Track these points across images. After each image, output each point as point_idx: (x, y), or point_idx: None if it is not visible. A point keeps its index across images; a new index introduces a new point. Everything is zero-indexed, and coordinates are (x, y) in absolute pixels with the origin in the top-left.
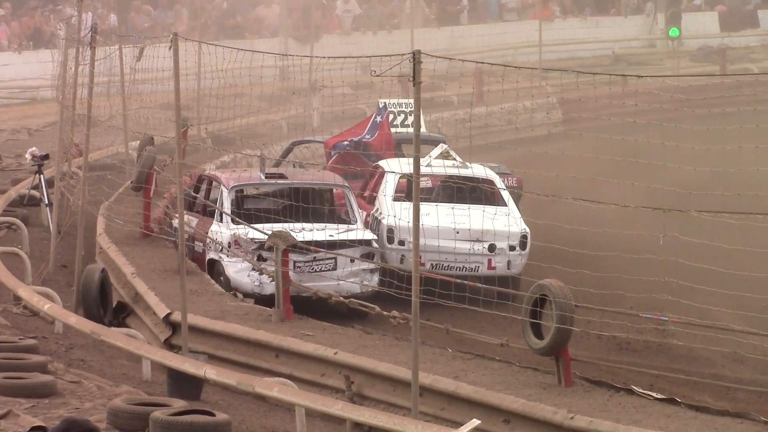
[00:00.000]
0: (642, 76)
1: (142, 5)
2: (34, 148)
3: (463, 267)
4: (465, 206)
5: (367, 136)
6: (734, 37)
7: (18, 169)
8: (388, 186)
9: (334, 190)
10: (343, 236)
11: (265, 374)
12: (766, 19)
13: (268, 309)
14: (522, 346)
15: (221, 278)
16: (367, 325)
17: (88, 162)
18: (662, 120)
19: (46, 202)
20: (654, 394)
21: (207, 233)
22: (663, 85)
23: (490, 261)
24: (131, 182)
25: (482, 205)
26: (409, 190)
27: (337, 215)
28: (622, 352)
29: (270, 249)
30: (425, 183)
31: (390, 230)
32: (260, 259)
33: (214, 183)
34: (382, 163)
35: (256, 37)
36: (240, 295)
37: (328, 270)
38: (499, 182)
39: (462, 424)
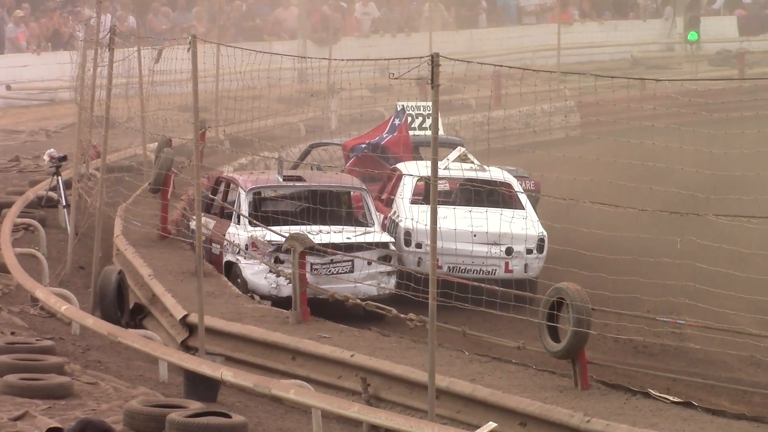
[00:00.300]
0: (660, 80)
1: (161, 7)
2: (52, 150)
3: (480, 270)
4: (482, 209)
5: (386, 137)
6: (753, 41)
7: (36, 170)
8: (406, 189)
9: (352, 193)
10: (361, 239)
11: (282, 376)
12: None
13: (285, 311)
14: (539, 349)
15: (238, 280)
16: (383, 328)
17: (106, 164)
18: (680, 124)
19: (64, 203)
20: (670, 398)
21: (224, 235)
22: (681, 88)
23: (507, 264)
24: (149, 184)
25: (500, 208)
26: (427, 193)
27: (355, 218)
28: (639, 356)
29: (287, 251)
30: (443, 186)
31: (407, 233)
32: (277, 261)
33: (231, 185)
34: (399, 165)
35: (274, 39)
36: (257, 297)
37: (345, 272)
38: (516, 185)
39: (478, 427)
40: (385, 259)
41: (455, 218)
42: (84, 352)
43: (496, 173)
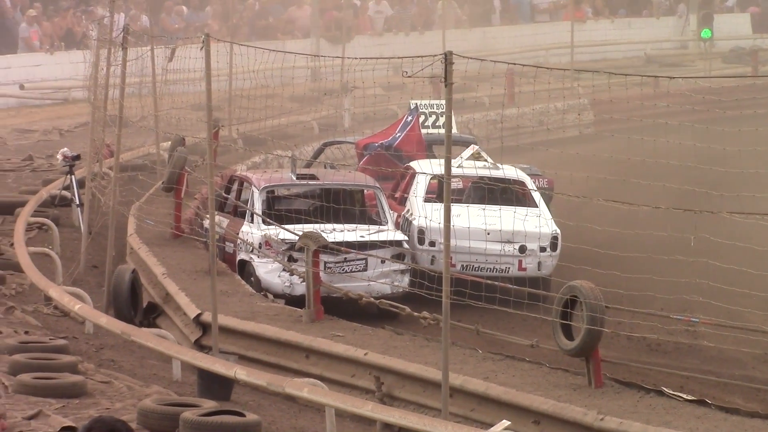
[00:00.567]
0: (674, 78)
1: (174, 6)
2: (65, 149)
3: (494, 268)
4: (496, 207)
5: (398, 136)
6: (767, 38)
7: (49, 169)
8: (419, 187)
9: (365, 191)
10: (374, 237)
11: (296, 375)
12: None
13: (299, 310)
14: (552, 347)
15: (252, 279)
16: (397, 326)
17: (119, 162)
18: (694, 121)
19: (78, 202)
20: (684, 396)
21: (238, 234)
22: (695, 86)
23: (520, 262)
24: (162, 183)
25: (513, 206)
26: (440, 191)
27: (368, 216)
28: (653, 354)
29: (301, 250)
30: (456, 184)
31: (421, 231)
32: (291, 259)
33: (245, 184)
34: (413, 164)
35: (288, 38)
36: (270, 296)
37: (359, 271)
38: (530, 183)
39: (492, 425)
40: (399, 257)
41: (468, 216)
42: (97, 351)
43: (509, 171)
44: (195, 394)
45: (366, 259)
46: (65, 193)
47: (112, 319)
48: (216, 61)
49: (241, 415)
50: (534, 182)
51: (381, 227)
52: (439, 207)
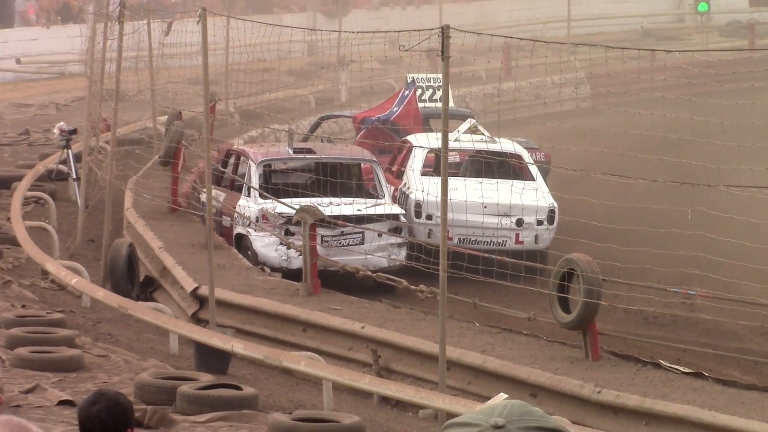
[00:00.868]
0: (671, 51)
1: None
2: (62, 123)
3: (491, 241)
4: (493, 181)
5: (395, 110)
6: (764, 12)
7: (46, 144)
8: (416, 161)
9: (363, 165)
10: (371, 211)
11: (293, 348)
12: None
13: (296, 283)
14: (549, 320)
15: (249, 252)
16: (394, 299)
17: (116, 137)
18: (691, 95)
19: (74, 176)
20: (681, 368)
21: (235, 208)
22: (692, 60)
23: (517, 235)
24: (159, 157)
25: (510, 180)
26: (437, 165)
27: (365, 190)
28: (650, 326)
29: (298, 223)
30: (453, 158)
31: (418, 205)
32: (288, 233)
33: (242, 158)
34: (410, 137)
35: (284, 12)
36: (267, 270)
37: (356, 244)
38: (527, 157)
39: (489, 398)
40: (396, 230)
41: (465, 190)
42: (94, 324)
43: (506, 145)
44: (192, 368)
45: (363, 232)
46: (62, 167)
47: (109, 292)
48: (213, 35)
49: (238, 388)
50: (531, 156)
51: (378, 201)
52: (436, 180)
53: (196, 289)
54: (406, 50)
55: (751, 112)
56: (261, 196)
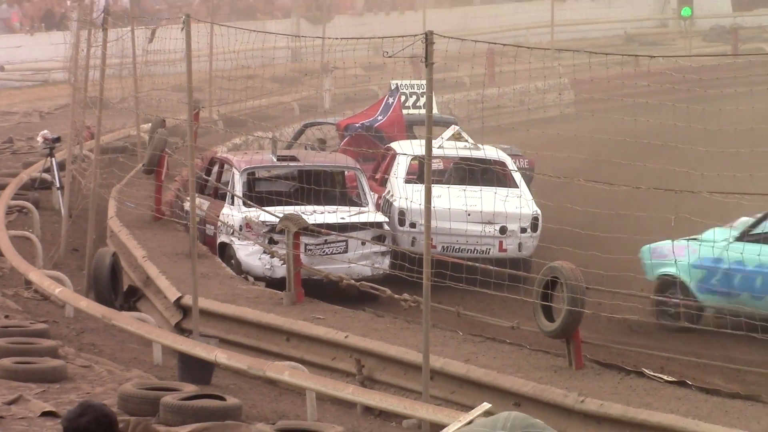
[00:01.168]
0: (654, 57)
1: None
2: (45, 131)
3: (475, 249)
4: (477, 188)
5: (380, 118)
6: (747, 16)
7: (30, 152)
8: (400, 168)
9: (346, 173)
10: (354, 219)
11: (276, 358)
12: None
13: (279, 292)
14: (533, 329)
15: (232, 261)
16: (378, 308)
17: (99, 145)
18: (674, 100)
19: (58, 185)
20: (665, 377)
21: (218, 216)
22: (675, 65)
23: (501, 243)
24: (143, 165)
25: (494, 187)
26: (421, 172)
27: (349, 198)
28: (633, 335)
29: (281, 232)
30: (437, 165)
31: (401, 212)
32: (271, 242)
33: (225, 165)
34: (393, 145)
35: (268, 18)
36: (251, 279)
37: (340, 253)
38: (510, 164)
39: (473, 408)
40: (379, 238)
41: (449, 197)
42: (78, 335)
43: (490, 151)
44: (176, 378)
45: (347, 240)
46: (46, 175)
47: (92, 302)
48: (196, 41)
49: (222, 398)
50: (515, 162)
51: (362, 209)
52: (419, 188)
53: (179, 298)
54: (390, 56)
55: (735, 118)
56: (245, 204)
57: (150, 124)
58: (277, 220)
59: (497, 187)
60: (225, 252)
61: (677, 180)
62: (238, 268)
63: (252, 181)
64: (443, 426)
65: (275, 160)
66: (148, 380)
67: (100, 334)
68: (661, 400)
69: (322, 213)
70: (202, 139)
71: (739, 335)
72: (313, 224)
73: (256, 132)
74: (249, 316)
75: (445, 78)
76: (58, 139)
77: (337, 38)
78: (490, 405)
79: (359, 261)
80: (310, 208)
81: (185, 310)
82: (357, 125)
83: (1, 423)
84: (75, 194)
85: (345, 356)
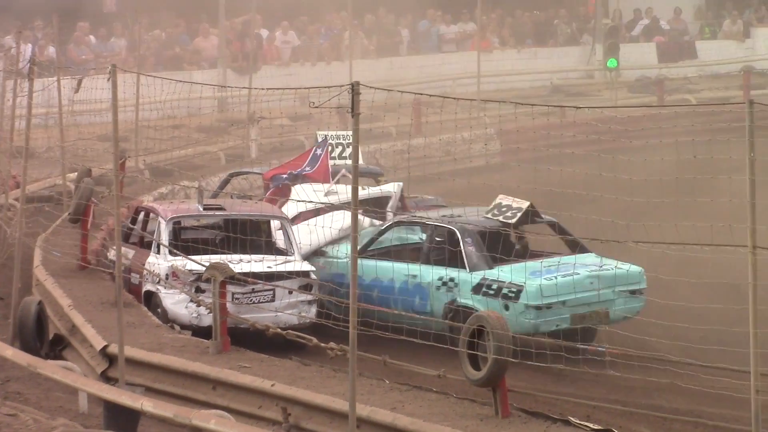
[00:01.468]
0: (580, 107)
1: (84, 36)
2: None
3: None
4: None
5: (307, 168)
6: (672, 68)
7: None
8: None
9: (272, 222)
10: (281, 267)
11: (203, 406)
12: (704, 50)
13: (206, 341)
14: (459, 378)
15: (158, 310)
16: (304, 357)
17: (25, 194)
18: (600, 151)
19: None
20: (591, 425)
21: (143, 265)
22: (601, 116)
23: None
24: (69, 214)
25: None
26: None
27: (275, 247)
28: (559, 383)
29: (208, 280)
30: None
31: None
32: (198, 290)
33: (151, 214)
34: (294, 189)
35: (194, 68)
36: (177, 327)
37: (267, 301)
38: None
39: None
40: (306, 287)
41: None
42: (3, 383)
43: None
44: (101, 427)
45: (273, 289)
46: None
47: (18, 351)
48: (123, 91)
49: None
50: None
51: (288, 258)
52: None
53: (105, 347)
54: (317, 107)
55: (660, 168)
56: (171, 253)
57: (76, 174)
58: (204, 268)
59: None
60: (151, 301)
61: (603, 229)
62: (165, 317)
63: (178, 230)
64: None
65: (201, 209)
66: (74, 429)
67: (26, 382)
68: None
69: (249, 262)
70: (129, 188)
71: (665, 383)
72: (240, 273)
73: (183, 181)
74: (175, 364)
75: (372, 128)
76: None
77: (263, 88)
78: None
79: (286, 310)
80: (236, 256)
81: (111, 359)
82: (284, 176)
83: None
84: (0, 243)
85: (271, 404)
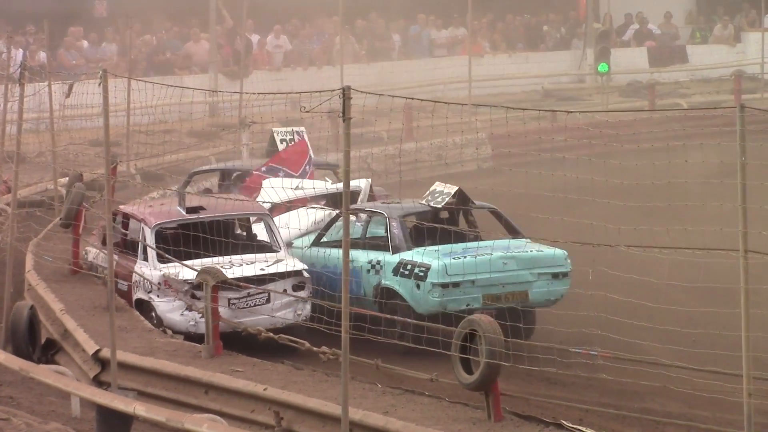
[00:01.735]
0: (571, 112)
1: (75, 41)
2: None
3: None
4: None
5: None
6: (663, 72)
7: None
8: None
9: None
10: (273, 269)
11: (195, 411)
12: (695, 55)
13: (198, 345)
14: (452, 381)
15: (153, 315)
16: (297, 361)
17: (16, 199)
18: (591, 155)
19: None
20: (583, 429)
21: (129, 271)
22: (592, 120)
23: None
24: (60, 219)
25: None
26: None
27: (262, 244)
28: (552, 387)
29: (201, 286)
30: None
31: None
32: (193, 297)
33: (132, 220)
34: (265, 183)
35: (186, 73)
36: (169, 332)
37: (263, 304)
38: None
39: None
40: (300, 286)
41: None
42: None
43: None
44: (94, 431)
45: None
46: None
47: (10, 355)
48: (114, 96)
49: None
50: None
51: (278, 255)
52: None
53: (97, 351)
54: (308, 111)
55: (651, 172)
56: (160, 260)
57: (67, 179)
58: (196, 274)
59: None
60: (143, 309)
61: (595, 234)
62: (160, 323)
63: (164, 236)
64: None
65: (183, 212)
66: None
67: (18, 387)
68: None
69: (240, 265)
70: (120, 193)
71: (657, 387)
72: (233, 278)
73: (174, 186)
74: (167, 368)
75: (363, 132)
76: None
77: (254, 93)
78: None
79: (282, 309)
80: (226, 258)
81: (103, 363)
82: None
83: None
84: None
85: (264, 409)
